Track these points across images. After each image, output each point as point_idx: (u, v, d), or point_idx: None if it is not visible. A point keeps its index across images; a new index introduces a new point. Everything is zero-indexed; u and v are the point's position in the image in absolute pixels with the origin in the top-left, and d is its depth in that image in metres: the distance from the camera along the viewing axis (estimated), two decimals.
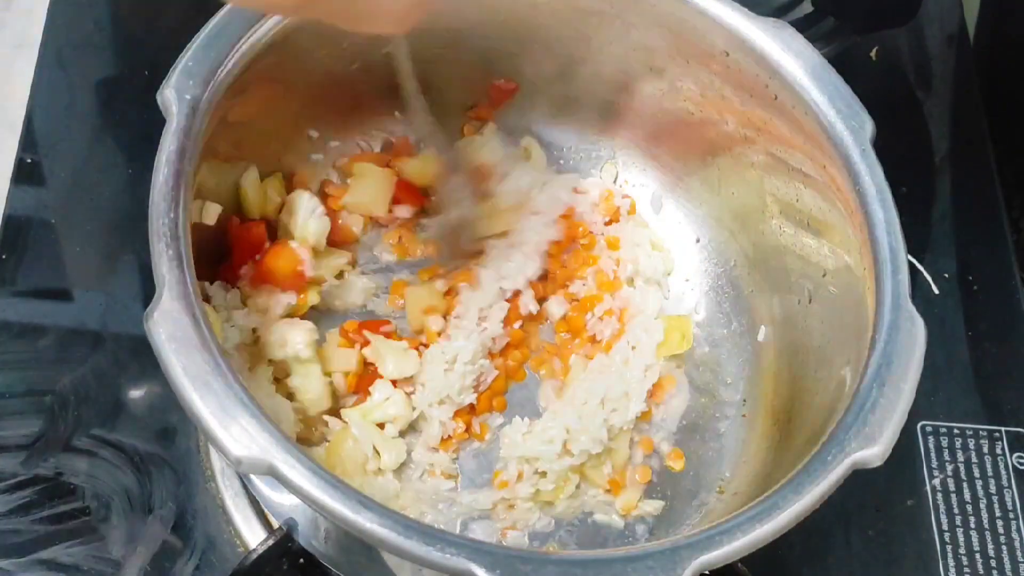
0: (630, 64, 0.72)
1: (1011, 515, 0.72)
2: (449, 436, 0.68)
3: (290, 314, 0.66)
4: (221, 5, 0.59)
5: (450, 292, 0.72)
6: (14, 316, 0.74)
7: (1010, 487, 0.73)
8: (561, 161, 0.79)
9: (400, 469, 0.67)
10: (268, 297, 0.66)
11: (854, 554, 0.71)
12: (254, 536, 0.67)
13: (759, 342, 0.71)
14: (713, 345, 0.73)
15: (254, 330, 0.65)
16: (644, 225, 0.77)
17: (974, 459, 0.74)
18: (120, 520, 0.67)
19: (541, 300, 0.73)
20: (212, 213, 0.63)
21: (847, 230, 0.61)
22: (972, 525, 0.71)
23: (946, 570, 0.70)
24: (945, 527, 0.71)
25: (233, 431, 0.47)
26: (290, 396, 0.65)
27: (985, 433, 0.75)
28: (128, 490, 0.68)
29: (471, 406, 0.69)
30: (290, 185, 0.72)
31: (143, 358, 0.71)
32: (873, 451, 0.51)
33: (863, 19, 0.84)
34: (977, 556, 0.70)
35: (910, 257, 0.58)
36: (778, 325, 0.70)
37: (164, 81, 0.57)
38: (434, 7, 0.50)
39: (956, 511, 0.72)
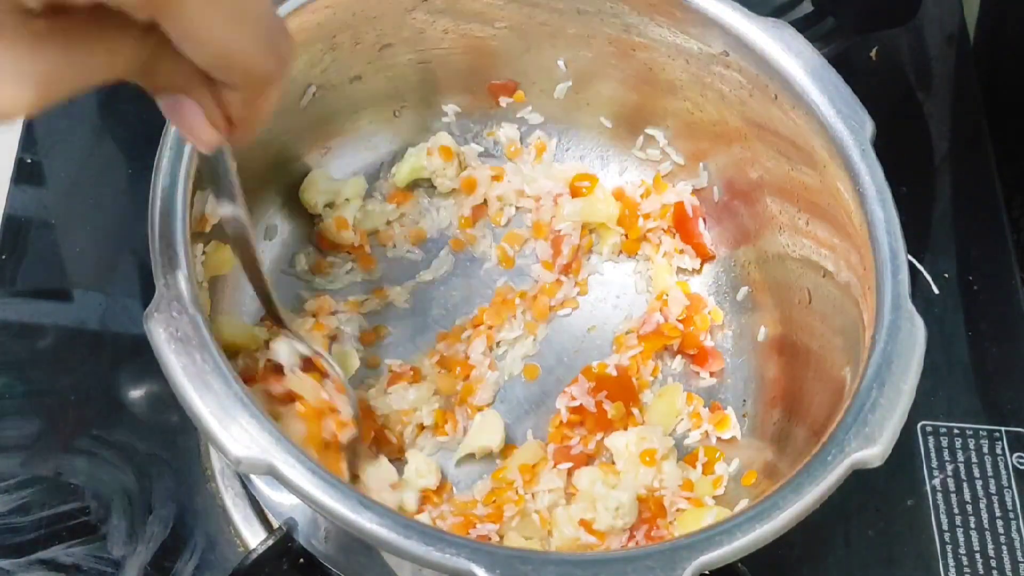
0: (629, 64, 0.72)
1: (1011, 515, 0.72)
2: None
3: None
4: None
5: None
6: (14, 316, 0.74)
7: (1010, 487, 0.73)
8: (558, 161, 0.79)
9: None
10: None
11: (854, 554, 0.70)
12: (254, 536, 0.67)
13: (759, 342, 0.71)
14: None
15: None
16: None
17: (974, 459, 0.74)
18: (120, 520, 0.67)
19: None
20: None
21: (847, 230, 0.61)
22: (972, 525, 0.71)
23: (946, 570, 0.70)
24: (945, 527, 0.71)
25: (233, 431, 0.47)
26: None
27: (985, 433, 0.75)
28: (128, 490, 0.68)
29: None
30: None
31: (143, 358, 0.71)
32: (873, 451, 0.51)
33: (863, 19, 0.84)
34: (977, 556, 0.70)
35: (910, 257, 0.58)
36: (778, 325, 0.70)
37: None
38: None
39: (956, 511, 0.72)
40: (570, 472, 0.66)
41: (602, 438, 0.67)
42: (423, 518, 0.63)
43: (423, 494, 0.65)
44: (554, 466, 0.66)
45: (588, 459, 0.67)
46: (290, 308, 0.71)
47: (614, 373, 0.70)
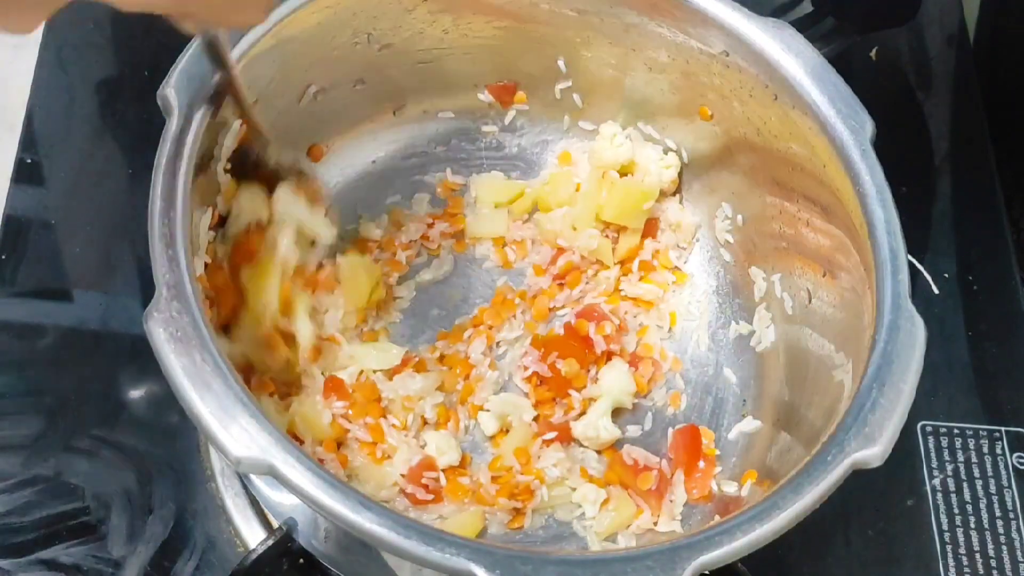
0: (629, 64, 0.72)
1: (1011, 515, 0.72)
2: None
3: None
4: None
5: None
6: (14, 316, 0.74)
7: (1010, 487, 0.73)
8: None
9: None
10: None
11: (854, 554, 0.71)
12: (254, 536, 0.67)
13: (759, 342, 0.71)
14: (714, 345, 0.73)
15: None
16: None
17: (974, 459, 0.74)
18: (120, 520, 0.67)
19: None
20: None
21: (847, 230, 0.61)
22: (972, 525, 0.71)
23: (946, 570, 0.70)
24: (945, 527, 0.71)
25: (233, 431, 0.47)
26: None
27: (985, 433, 0.75)
28: (128, 490, 0.68)
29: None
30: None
31: (143, 358, 0.71)
32: (873, 451, 0.51)
33: (863, 19, 0.84)
34: (977, 556, 0.70)
35: (910, 257, 0.58)
36: (778, 325, 0.70)
37: (164, 81, 0.57)
38: None
39: (956, 511, 0.72)
40: (559, 440, 0.67)
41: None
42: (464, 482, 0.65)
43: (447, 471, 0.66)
44: (544, 444, 0.67)
45: (567, 430, 0.68)
46: None
47: (561, 333, 0.71)
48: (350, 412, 0.66)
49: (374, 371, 0.68)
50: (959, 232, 0.86)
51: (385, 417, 0.67)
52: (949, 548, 0.71)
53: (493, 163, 0.79)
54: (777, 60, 0.64)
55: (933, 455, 0.74)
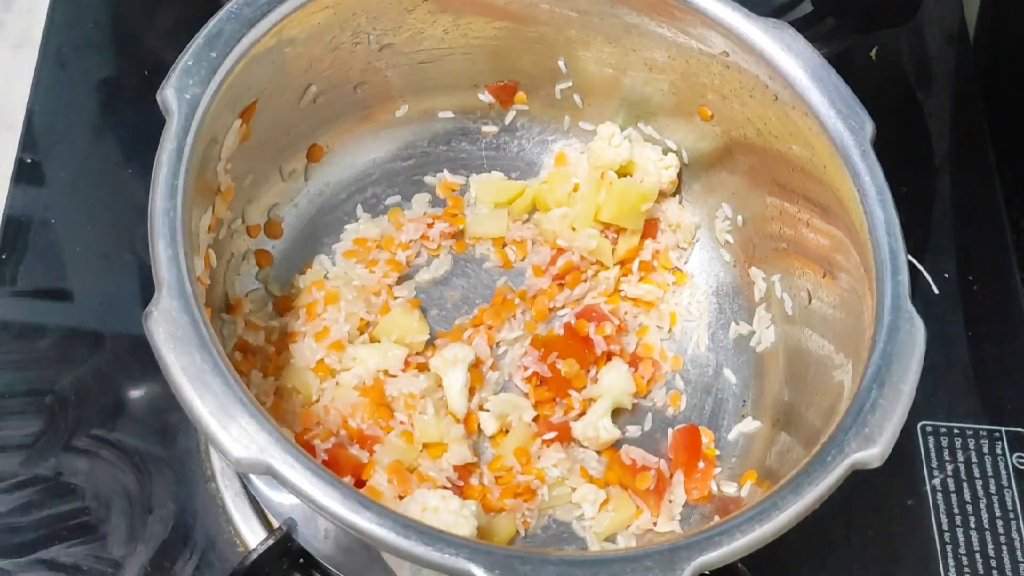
0: (629, 64, 0.72)
1: (1011, 515, 0.72)
2: None
3: None
4: (220, 5, 0.59)
5: None
6: (14, 316, 0.74)
7: (1010, 487, 0.73)
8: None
9: None
10: None
11: (854, 554, 0.70)
12: (254, 536, 0.67)
13: (759, 343, 0.71)
14: (714, 345, 0.73)
15: None
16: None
17: (974, 459, 0.74)
18: (120, 520, 0.67)
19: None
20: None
21: (847, 230, 0.61)
22: (972, 525, 0.71)
23: (946, 570, 0.70)
24: (945, 527, 0.71)
25: (232, 431, 0.47)
26: None
27: (985, 433, 0.75)
28: (128, 490, 0.68)
29: None
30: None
31: (143, 358, 0.71)
32: (873, 452, 0.51)
33: (863, 19, 0.84)
34: (977, 556, 0.70)
35: (910, 257, 0.58)
36: (778, 325, 0.70)
37: (164, 81, 0.57)
38: None
39: (956, 511, 0.72)
40: (559, 440, 0.68)
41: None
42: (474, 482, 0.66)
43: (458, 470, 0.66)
44: (544, 443, 0.67)
45: (567, 430, 0.68)
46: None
47: (561, 333, 0.72)
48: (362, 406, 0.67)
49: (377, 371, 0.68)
50: (959, 232, 0.86)
51: (393, 417, 0.67)
52: (949, 548, 0.71)
53: (493, 163, 0.79)
54: (777, 60, 0.64)
55: (933, 455, 0.74)
